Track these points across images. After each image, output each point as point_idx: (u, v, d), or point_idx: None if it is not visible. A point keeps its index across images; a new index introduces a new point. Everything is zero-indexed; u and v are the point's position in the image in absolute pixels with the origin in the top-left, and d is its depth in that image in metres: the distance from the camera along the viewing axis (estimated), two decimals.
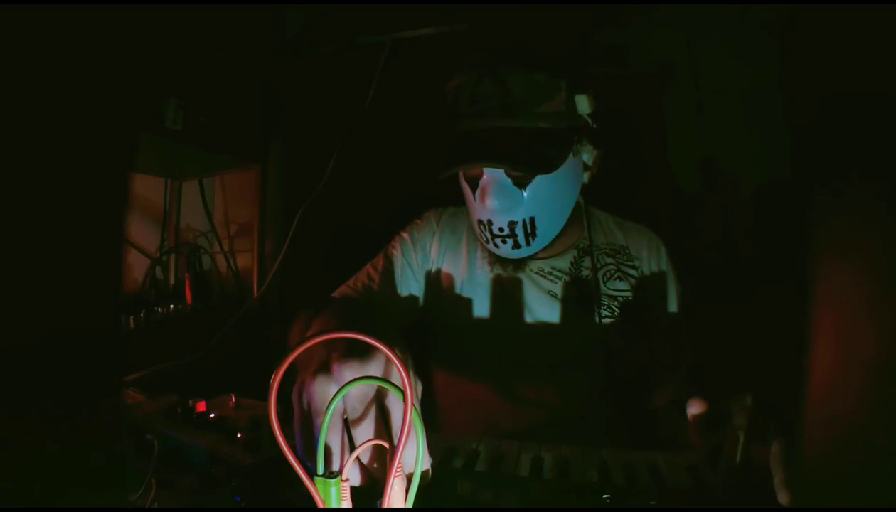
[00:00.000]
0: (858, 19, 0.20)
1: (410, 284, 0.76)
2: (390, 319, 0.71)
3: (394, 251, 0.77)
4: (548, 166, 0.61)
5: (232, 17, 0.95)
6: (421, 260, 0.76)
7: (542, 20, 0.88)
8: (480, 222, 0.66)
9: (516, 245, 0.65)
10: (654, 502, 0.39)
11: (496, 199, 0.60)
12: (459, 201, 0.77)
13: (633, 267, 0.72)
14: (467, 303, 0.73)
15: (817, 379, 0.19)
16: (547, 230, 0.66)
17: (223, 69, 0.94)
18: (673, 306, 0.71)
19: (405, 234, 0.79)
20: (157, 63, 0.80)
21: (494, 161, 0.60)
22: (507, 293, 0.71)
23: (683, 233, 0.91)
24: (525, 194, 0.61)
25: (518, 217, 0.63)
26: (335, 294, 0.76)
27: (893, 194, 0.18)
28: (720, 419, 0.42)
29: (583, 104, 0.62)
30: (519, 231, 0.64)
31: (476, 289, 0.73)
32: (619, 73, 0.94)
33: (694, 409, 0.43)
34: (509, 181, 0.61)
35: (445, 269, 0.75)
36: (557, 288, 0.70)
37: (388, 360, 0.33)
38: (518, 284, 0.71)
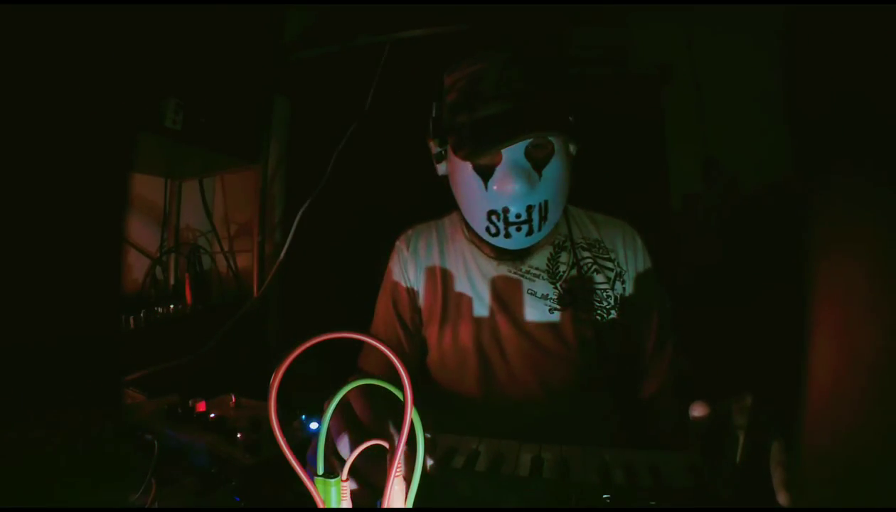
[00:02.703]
0: (855, 19, 0.20)
1: (419, 324, 0.77)
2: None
3: (400, 309, 0.78)
4: (574, 135, 0.66)
5: (232, 18, 0.95)
6: (410, 289, 0.78)
7: (541, 20, 0.88)
8: (493, 213, 0.65)
9: (531, 231, 0.66)
10: (654, 502, 0.39)
11: (519, 182, 0.61)
12: (425, 217, 0.81)
13: (610, 260, 0.73)
14: (451, 307, 0.74)
15: (817, 378, 0.19)
16: (554, 214, 0.67)
17: (223, 69, 0.94)
18: (651, 297, 0.72)
19: (397, 282, 0.79)
20: (157, 63, 0.80)
21: (544, 130, 0.62)
22: (489, 295, 0.72)
23: (683, 232, 0.91)
24: (541, 177, 0.63)
25: (535, 201, 0.64)
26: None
27: (893, 189, 0.18)
28: (721, 420, 0.42)
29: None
30: (535, 215, 0.64)
31: (458, 293, 0.74)
32: (619, 75, 0.94)
33: (696, 411, 0.43)
34: (529, 165, 0.62)
35: (426, 283, 0.77)
36: (536, 286, 0.71)
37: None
38: (499, 286, 0.72)
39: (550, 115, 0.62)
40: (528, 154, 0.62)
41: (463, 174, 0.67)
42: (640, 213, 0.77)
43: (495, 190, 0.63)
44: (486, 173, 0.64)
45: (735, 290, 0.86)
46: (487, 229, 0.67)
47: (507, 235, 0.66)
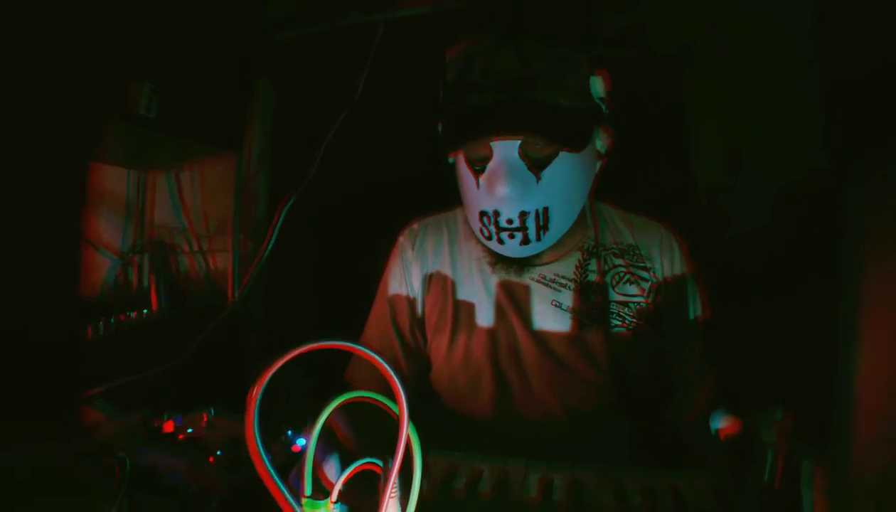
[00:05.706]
0: None
1: (420, 339, 0.75)
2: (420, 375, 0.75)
3: (399, 320, 0.75)
4: (574, 141, 0.59)
5: None
6: (412, 297, 0.75)
7: None
8: (484, 214, 0.62)
9: (525, 241, 0.62)
10: None
11: (508, 185, 0.58)
12: (430, 208, 0.77)
13: (646, 269, 0.69)
14: (463, 317, 0.71)
15: (866, 394, 0.18)
16: (560, 223, 0.63)
17: (199, 50, 0.93)
18: (692, 311, 0.69)
19: (396, 291, 0.76)
20: (126, 43, 0.79)
21: (518, 131, 0.57)
22: (506, 305, 0.69)
23: (707, 229, 0.91)
24: (540, 180, 0.59)
25: (531, 207, 0.60)
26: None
27: None
28: (748, 435, 0.42)
29: (598, 86, 0.62)
30: (530, 223, 0.60)
31: (471, 302, 0.71)
32: (638, 56, 0.93)
33: (722, 424, 0.43)
34: (524, 165, 0.58)
35: (433, 289, 0.73)
36: (562, 297, 0.68)
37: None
38: (518, 295, 0.69)
39: (538, 113, 0.57)
40: (525, 152, 0.58)
41: (460, 166, 0.65)
42: (662, 209, 0.76)
43: (484, 189, 0.60)
44: (478, 168, 0.62)
45: (765, 292, 0.85)
46: (481, 231, 0.65)
47: (500, 242, 0.63)
